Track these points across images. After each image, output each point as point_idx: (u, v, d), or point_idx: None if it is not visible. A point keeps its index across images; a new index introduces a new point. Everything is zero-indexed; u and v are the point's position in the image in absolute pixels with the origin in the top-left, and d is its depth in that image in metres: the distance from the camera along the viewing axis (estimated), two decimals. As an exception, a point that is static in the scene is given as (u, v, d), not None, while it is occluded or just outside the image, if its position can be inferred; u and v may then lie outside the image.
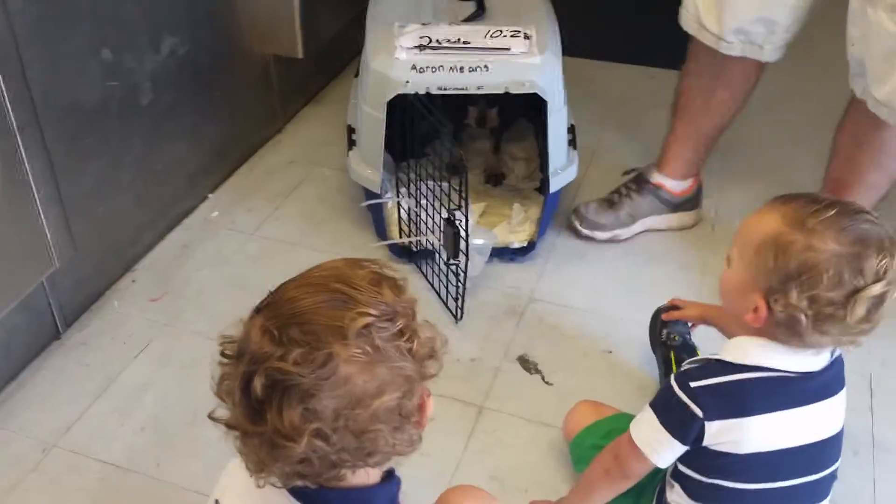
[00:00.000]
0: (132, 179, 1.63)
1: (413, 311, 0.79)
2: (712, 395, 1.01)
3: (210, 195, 1.88)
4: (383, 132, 1.60)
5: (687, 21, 1.59)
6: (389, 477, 0.85)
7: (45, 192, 1.36)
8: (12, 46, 1.27)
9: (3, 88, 1.24)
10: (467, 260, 1.53)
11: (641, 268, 1.72)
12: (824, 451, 1.06)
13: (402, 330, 0.76)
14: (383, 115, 1.58)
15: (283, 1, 1.87)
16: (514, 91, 1.58)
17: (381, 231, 1.73)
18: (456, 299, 1.57)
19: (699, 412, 1.01)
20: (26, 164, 1.31)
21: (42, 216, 1.35)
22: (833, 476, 1.09)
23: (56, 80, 1.39)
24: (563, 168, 1.70)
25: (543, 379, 1.47)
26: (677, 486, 1.10)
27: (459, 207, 1.51)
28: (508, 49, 1.61)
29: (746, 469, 1.04)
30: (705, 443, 1.03)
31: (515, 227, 1.74)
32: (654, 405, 1.06)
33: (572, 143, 1.76)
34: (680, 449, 1.04)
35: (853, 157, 1.56)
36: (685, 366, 1.07)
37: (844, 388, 1.08)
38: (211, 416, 0.77)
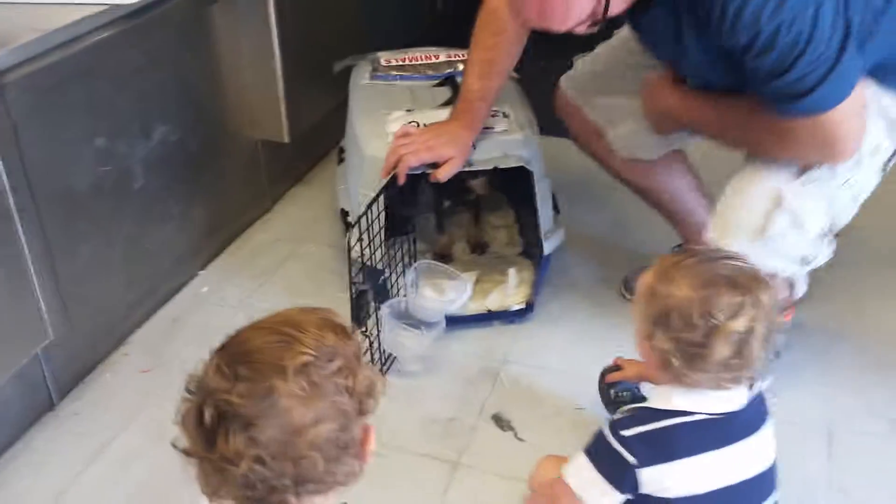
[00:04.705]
0: (124, 259, 1.72)
1: (356, 353, 0.87)
2: (642, 442, 1.08)
3: (200, 272, 1.97)
4: (381, 212, 1.66)
5: None
6: None
7: (40, 270, 1.45)
8: (11, 132, 1.37)
9: (3, 172, 1.35)
10: (378, 332, 1.64)
11: (613, 330, 1.78)
12: (755, 488, 1.12)
13: (341, 369, 0.84)
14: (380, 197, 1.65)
15: (269, 89, 2.00)
16: (502, 166, 1.70)
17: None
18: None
19: (632, 459, 1.07)
20: (24, 243, 1.41)
21: (38, 291, 1.44)
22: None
23: (52, 164, 1.50)
24: (551, 232, 1.81)
25: (516, 435, 1.53)
26: None
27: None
28: (492, 128, 1.73)
29: None
30: (644, 490, 1.08)
31: (512, 291, 1.83)
32: (588, 452, 1.12)
33: (555, 208, 1.88)
34: (617, 496, 1.09)
35: None
36: (617, 415, 1.13)
37: (768, 424, 1.15)
38: (173, 444, 0.85)
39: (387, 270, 1.73)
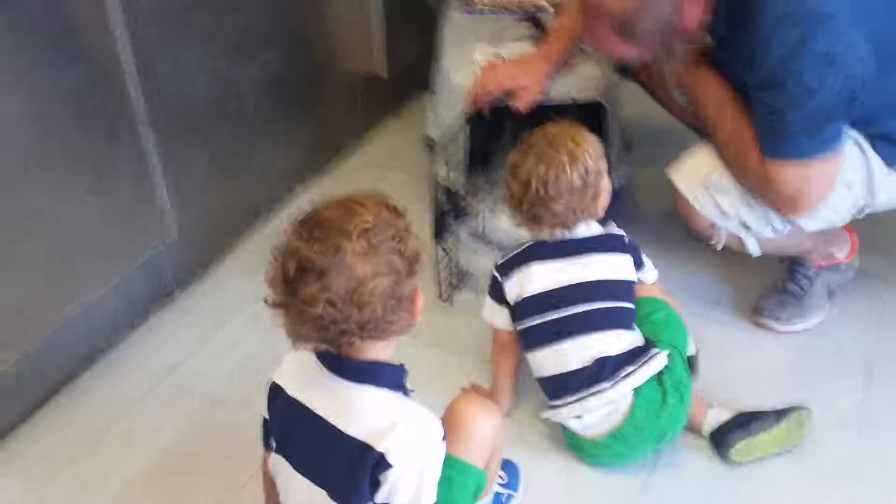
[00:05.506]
0: (234, 172, 1.94)
1: (406, 227, 1.06)
2: (505, 263, 1.51)
3: (300, 189, 2.18)
4: (464, 139, 1.84)
5: None
6: (398, 364, 1.11)
7: (165, 178, 1.68)
8: (142, 53, 1.57)
9: (142, 91, 1.56)
10: (455, 246, 1.81)
11: (673, 262, 1.87)
12: (587, 290, 1.46)
13: (394, 236, 1.03)
14: (464, 124, 1.82)
15: (370, 26, 2.17)
16: (578, 99, 1.83)
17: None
18: (450, 282, 1.83)
19: (499, 276, 1.51)
20: (153, 153, 1.63)
21: (166, 196, 1.67)
22: (612, 311, 1.46)
23: (175, 84, 1.69)
24: (618, 167, 1.90)
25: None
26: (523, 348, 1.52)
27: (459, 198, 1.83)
28: (572, 65, 1.85)
29: (532, 308, 1.47)
30: (510, 298, 1.49)
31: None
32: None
33: (627, 147, 1.99)
34: (499, 309, 1.52)
35: None
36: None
37: (608, 254, 1.49)
38: (265, 300, 1.04)
39: (467, 194, 1.90)
